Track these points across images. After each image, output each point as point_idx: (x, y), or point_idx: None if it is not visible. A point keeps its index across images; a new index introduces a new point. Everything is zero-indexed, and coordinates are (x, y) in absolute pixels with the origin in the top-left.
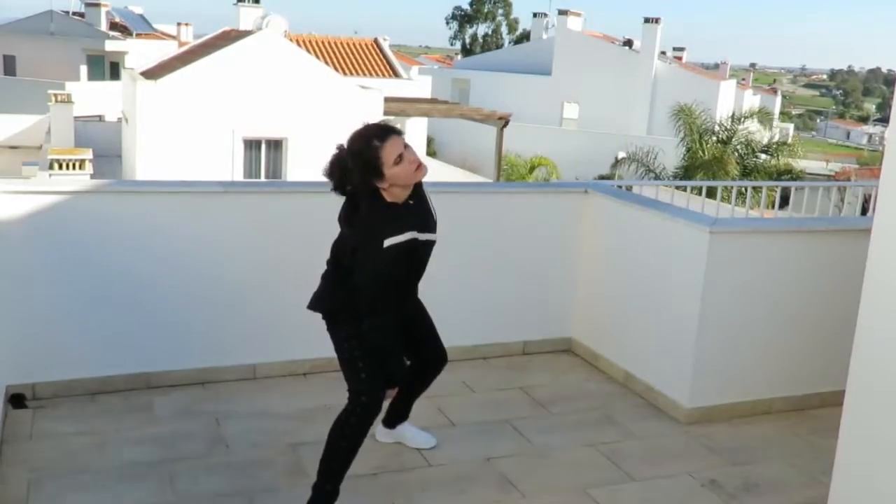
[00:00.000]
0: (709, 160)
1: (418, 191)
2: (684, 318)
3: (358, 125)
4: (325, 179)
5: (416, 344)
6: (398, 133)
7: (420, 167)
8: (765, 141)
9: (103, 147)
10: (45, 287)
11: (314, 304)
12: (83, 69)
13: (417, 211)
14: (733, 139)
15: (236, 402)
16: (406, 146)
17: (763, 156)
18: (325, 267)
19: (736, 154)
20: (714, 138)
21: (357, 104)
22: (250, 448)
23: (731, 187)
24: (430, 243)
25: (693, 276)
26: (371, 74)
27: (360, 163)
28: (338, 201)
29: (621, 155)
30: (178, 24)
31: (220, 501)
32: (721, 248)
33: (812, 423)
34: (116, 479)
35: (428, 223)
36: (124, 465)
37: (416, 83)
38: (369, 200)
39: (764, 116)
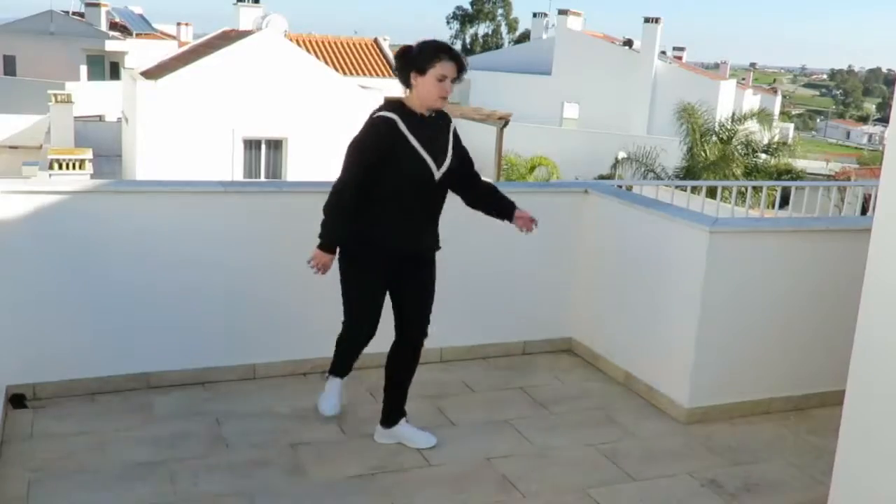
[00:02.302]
0: (715, 160)
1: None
2: (684, 318)
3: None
4: (324, 179)
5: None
6: (459, 65)
7: (444, 100)
8: (765, 141)
9: (103, 147)
10: (46, 287)
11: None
12: (83, 69)
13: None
14: (733, 139)
15: (236, 402)
16: (453, 80)
17: (763, 156)
18: None
19: (736, 154)
20: (715, 138)
21: (357, 104)
22: (250, 448)
23: (731, 187)
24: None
25: (693, 276)
26: (371, 74)
27: (414, 54)
28: None
29: (621, 155)
30: (178, 24)
31: (221, 501)
32: (721, 248)
33: (812, 423)
34: (117, 478)
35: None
36: (124, 465)
37: None
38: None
39: (764, 117)
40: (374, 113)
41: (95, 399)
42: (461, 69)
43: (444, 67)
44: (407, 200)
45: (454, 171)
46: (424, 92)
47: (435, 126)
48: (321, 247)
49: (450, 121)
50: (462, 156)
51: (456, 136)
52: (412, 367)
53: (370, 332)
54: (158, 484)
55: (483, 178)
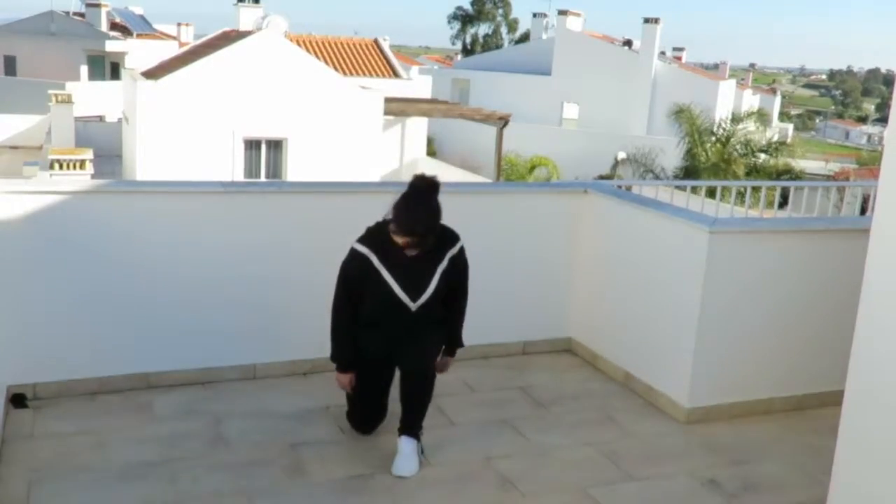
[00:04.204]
0: (715, 162)
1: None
2: (684, 317)
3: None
4: (324, 179)
5: None
6: (416, 236)
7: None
8: (764, 141)
9: (104, 147)
10: (46, 287)
11: None
12: (83, 69)
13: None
14: (732, 139)
15: (236, 402)
16: (410, 245)
17: (763, 156)
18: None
19: (735, 154)
20: (713, 139)
21: (357, 104)
22: (250, 448)
23: (731, 187)
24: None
25: (693, 276)
26: (371, 74)
27: (392, 206)
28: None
29: (621, 155)
30: (179, 24)
31: (221, 501)
32: (721, 247)
33: (811, 423)
34: (117, 478)
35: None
36: (125, 465)
37: (416, 83)
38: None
39: (761, 118)
40: (358, 239)
41: (96, 399)
42: (423, 240)
43: (402, 239)
44: (385, 323)
45: (440, 294)
46: (395, 238)
47: (420, 255)
48: (336, 368)
49: (450, 245)
50: (453, 281)
51: (454, 261)
52: (410, 391)
53: (371, 418)
54: (158, 484)
55: (458, 305)
